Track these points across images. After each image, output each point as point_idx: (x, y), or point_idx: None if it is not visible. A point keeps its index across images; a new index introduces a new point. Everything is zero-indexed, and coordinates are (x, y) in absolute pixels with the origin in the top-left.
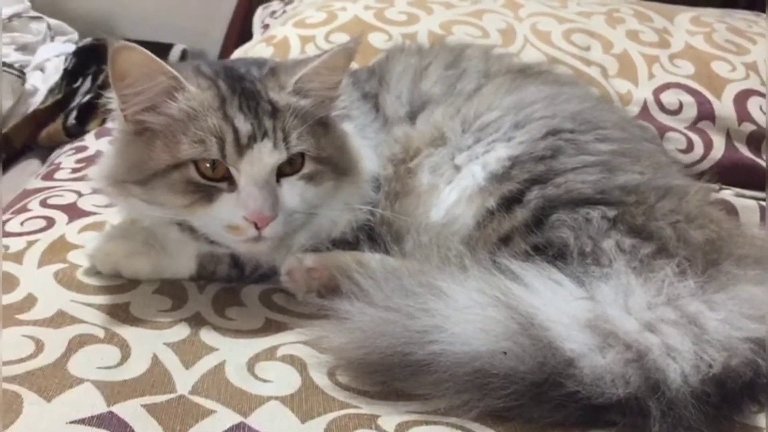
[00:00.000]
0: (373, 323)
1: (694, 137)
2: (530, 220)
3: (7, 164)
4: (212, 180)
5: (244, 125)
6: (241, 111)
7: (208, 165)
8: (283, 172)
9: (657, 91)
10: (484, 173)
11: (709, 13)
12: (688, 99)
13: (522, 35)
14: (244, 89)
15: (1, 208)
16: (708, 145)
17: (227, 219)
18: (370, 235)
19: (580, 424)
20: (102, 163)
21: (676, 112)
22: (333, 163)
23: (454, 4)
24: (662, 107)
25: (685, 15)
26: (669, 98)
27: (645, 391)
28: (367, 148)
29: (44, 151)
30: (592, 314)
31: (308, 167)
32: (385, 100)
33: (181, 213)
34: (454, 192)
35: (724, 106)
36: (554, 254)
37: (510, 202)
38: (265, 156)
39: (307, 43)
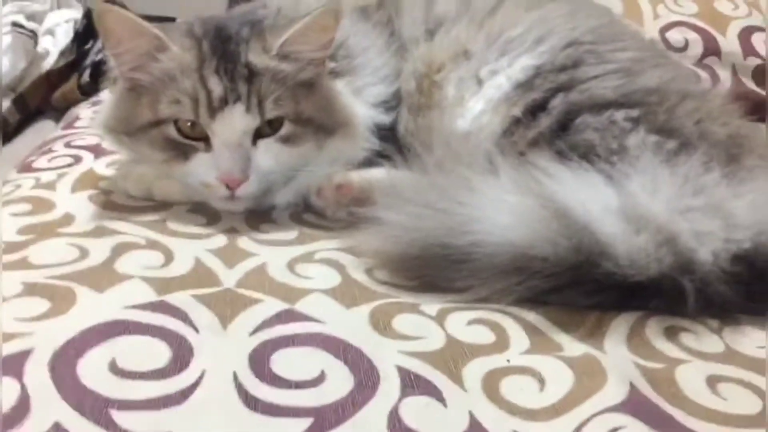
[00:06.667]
0: (409, 219)
1: (701, 72)
2: (555, 125)
3: (22, 125)
4: (190, 138)
5: (216, 87)
6: (216, 73)
7: (188, 124)
8: (261, 133)
9: (663, 30)
10: (509, 83)
11: None
12: (693, 36)
13: None
14: (225, 51)
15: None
16: (715, 80)
17: (201, 177)
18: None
19: (616, 307)
20: (100, 112)
21: (682, 49)
22: (315, 123)
23: None
24: (669, 45)
25: None
26: (675, 36)
27: (678, 269)
28: (376, 76)
29: (57, 113)
30: (622, 202)
31: (286, 129)
32: (401, 24)
33: (161, 167)
34: (480, 102)
35: (729, 42)
36: (581, 156)
37: (535, 110)
38: (237, 120)
39: None
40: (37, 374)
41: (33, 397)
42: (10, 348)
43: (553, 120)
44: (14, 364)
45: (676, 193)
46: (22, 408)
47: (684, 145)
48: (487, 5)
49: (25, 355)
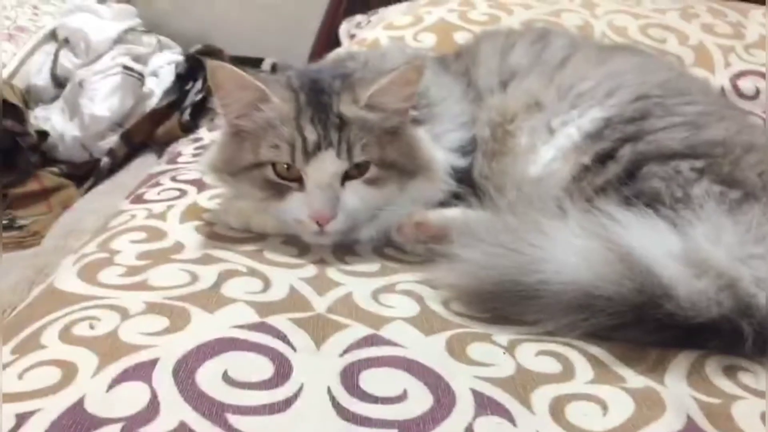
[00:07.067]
0: (484, 257)
1: None
2: (623, 173)
3: (128, 158)
4: (286, 180)
5: (311, 135)
6: (311, 122)
7: (285, 166)
8: (349, 176)
9: (734, 78)
10: (579, 133)
11: None
12: (765, 85)
13: (599, 30)
14: (319, 102)
15: None
16: None
17: (295, 214)
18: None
19: (675, 345)
20: (207, 153)
21: (753, 97)
22: (398, 167)
23: (533, 5)
24: (740, 93)
25: (758, 11)
26: (746, 84)
27: (737, 313)
28: (456, 122)
29: (160, 147)
30: (685, 247)
31: (371, 172)
32: (477, 75)
33: (259, 204)
34: (551, 150)
35: None
36: (646, 203)
37: (604, 158)
38: (328, 164)
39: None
40: (164, 381)
41: (161, 400)
42: (139, 357)
43: (621, 168)
44: (144, 372)
45: (738, 240)
46: (152, 408)
47: (747, 196)
48: (557, 58)
49: (152, 364)
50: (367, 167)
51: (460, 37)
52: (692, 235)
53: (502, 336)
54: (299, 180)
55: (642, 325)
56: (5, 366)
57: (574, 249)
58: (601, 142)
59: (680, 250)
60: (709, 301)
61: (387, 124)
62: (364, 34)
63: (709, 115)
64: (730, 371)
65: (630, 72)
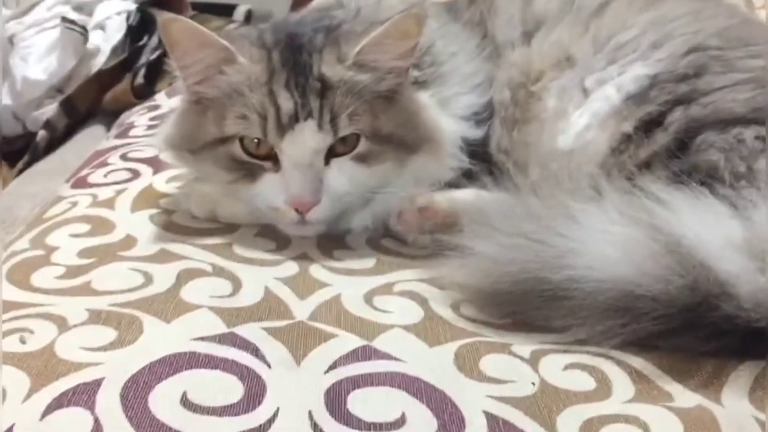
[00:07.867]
0: (501, 250)
1: None
2: (673, 143)
3: (70, 131)
4: (257, 158)
5: (286, 103)
6: (286, 88)
7: (255, 142)
8: (334, 152)
9: None
10: (619, 95)
11: None
12: None
13: None
14: (296, 62)
15: None
16: None
17: (269, 200)
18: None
19: (735, 354)
20: (164, 126)
21: None
22: (395, 140)
23: None
24: None
25: None
26: None
27: None
28: (470, 83)
29: (108, 117)
30: (747, 234)
31: (362, 146)
32: (495, 25)
33: (227, 189)
34: (584, 116)
35: None
36: (701, 180)
37: (649, 126)
38: (308, 138)
39: None
40: (109, 406)
41: (106, 430)
42: (81, 378)
43: (670, 138)
44: (85, 395)
45: None
46: None
47: None
48: (594, 3)
49: (96, 385)
50: (357, 141)
51: None
52: (756, 219)
53: (524, 346)
54: (273, 158)
55: (694, 331)
56: None
57: (610, 239)
58: (646, 105)
59: (742, 238)
60: None
61: (381, 87)
62: None
63: None
64: None
65: (682, 18)
